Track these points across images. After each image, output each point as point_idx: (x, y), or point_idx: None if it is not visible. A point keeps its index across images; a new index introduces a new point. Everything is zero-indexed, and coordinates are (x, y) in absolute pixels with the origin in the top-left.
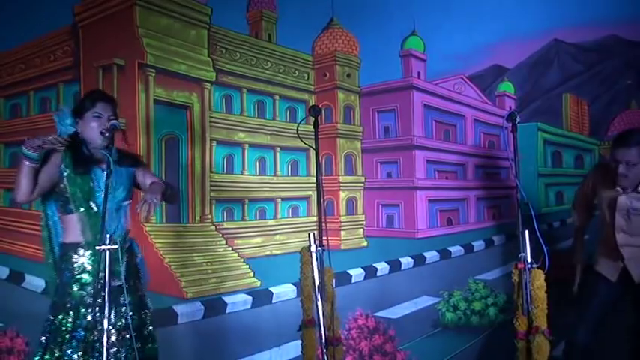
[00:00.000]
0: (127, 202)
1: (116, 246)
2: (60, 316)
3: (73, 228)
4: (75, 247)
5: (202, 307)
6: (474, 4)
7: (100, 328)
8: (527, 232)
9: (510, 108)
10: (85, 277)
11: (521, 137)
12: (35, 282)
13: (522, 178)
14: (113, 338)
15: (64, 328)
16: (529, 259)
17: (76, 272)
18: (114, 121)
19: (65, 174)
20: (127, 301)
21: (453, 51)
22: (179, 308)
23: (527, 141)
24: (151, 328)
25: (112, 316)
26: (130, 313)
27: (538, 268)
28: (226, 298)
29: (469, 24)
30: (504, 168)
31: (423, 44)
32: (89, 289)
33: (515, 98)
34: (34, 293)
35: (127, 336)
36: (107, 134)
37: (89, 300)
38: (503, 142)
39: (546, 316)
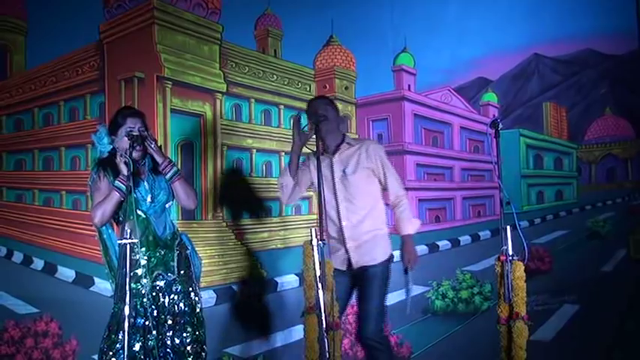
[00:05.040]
0: (169, 203)
1: (136, 240)
2: (120, 305)
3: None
4: (132, 246)
5: (215, 295)
6: (460, 23)
7: (154, 314)
8: (508, 227)
9: (494, 116)
10: (140, 271)
11: (505, 142)
12: (66, 273)
13: (506, 179)
14: (170, 322)
15: (123, 315)
16: (510, 252)
17: (135, 267)
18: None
19: None
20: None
21: (441, 65)
22: None
23: (510, 145)
24: (200, 314)
25: (167, 303)
26: (183, 301)
27: (518, 260)
28: (236, 287)
29: (456, 41)
30: (489, 170)
31: (413, 60)
32: (143, 281)
33: (499, 107)
34: (66, 283)
35: (181, 321)
36: (134, 138)
37: (144, 291)
38: (487, 147)
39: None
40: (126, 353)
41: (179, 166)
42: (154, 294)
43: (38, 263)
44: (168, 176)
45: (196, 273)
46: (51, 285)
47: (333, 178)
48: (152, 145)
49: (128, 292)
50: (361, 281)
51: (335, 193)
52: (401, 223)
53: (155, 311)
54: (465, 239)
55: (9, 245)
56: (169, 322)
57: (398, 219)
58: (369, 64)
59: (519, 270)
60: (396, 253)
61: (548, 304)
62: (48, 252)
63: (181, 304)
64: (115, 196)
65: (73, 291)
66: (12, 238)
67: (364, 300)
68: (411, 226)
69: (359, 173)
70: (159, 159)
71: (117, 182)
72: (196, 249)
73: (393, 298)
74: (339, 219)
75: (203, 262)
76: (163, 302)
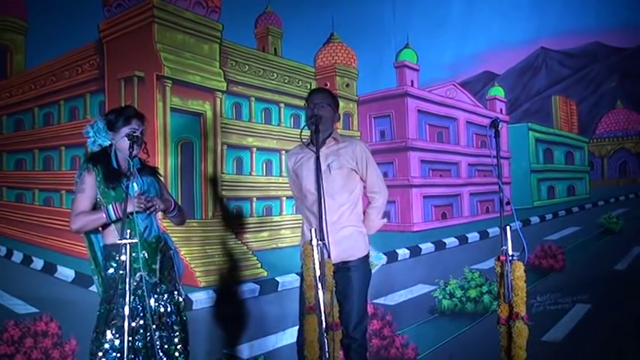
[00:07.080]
0: None
1: (135, 240)
2: (106, 306)
3: (112, 232)
4: (117, 247)
5: (214, 295)
6: (465, 16)
7: (141, 315)
8: (508, 227)
9: (501, 110)
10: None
11: (513, 136)
12: (66, 272)
13: (516, 174)
14: (157, 323)
15: (110, 316)
16: (510, 252)
17: (119, 269)
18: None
19: (100, 189)
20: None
21: (446, 60)
22: (194, 296)
23: (519, 140)
24: (184, 314)
25: (152, 304)
26: (168, 301)
27: (518, 260)
28: (236, 287)
29: (460, 35)
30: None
31: (416, 55)
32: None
33: (506, 101)
34: (65, 282)
35: (168, 322)
36: (134, 139)
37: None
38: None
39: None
40: (126, 353)
41: (179, 165)
42: (139, 293)
43: (38, 263)
44: (171, 215)
45: (179, 273)
46: (50, 285)
47: (318, 171)
48: (160, 207)
49: (128, 293)
50: (341, 277)
51: (319, 194)
52: (366, 223)
53: (141, 312)
54: (472, 236)
55: (9, 245)
56: (157, 322)
57: (366, 216)
58: (371, 61)
59: (519, 270)
60: (401, 251)
61: (560, 303)
62: (48, 251)
63: (167, 305)
64: (102, 219)
65: (72, 291)
66: (12, 238)
67: (345, 297)
68: (373, 228)
69: (342, 170)
70: (167, 210)
71: (110, 209)
72: (193, 248)
73: (395, 298)
74: (322, 215)
75: (202, 261)
76: (149, 303)
